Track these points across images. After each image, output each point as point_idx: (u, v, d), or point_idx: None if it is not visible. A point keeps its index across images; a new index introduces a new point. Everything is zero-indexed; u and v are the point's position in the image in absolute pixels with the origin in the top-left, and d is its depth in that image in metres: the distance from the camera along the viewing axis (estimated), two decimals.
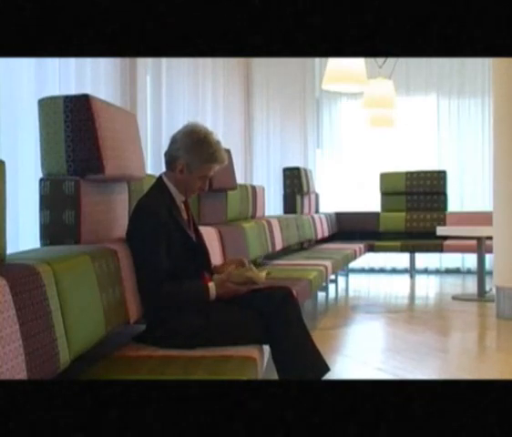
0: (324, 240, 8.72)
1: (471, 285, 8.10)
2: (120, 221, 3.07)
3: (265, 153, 8.20)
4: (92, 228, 2.80)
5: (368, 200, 9.68)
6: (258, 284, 3.03)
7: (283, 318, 2.87)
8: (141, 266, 2.82)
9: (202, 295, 2.90)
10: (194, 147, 2.94)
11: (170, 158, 2.99)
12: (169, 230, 2.86)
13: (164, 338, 2.78)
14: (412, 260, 9.16)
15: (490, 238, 6.46)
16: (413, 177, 9.33)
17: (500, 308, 6.01)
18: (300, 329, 2.91)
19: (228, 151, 4.89)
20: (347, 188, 10.06)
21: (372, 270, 9.92)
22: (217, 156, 2.98)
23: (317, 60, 9.65)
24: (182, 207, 3.03)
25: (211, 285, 2.93)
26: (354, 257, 7.94)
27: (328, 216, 9.11)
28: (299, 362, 2.85)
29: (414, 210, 9.27)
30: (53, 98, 2.74)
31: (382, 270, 9.92)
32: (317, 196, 9.27)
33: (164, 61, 5.18)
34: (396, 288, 8.54)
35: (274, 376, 2.93)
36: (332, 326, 5.86)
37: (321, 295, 6.92)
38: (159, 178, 3.02)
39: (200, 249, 3.09)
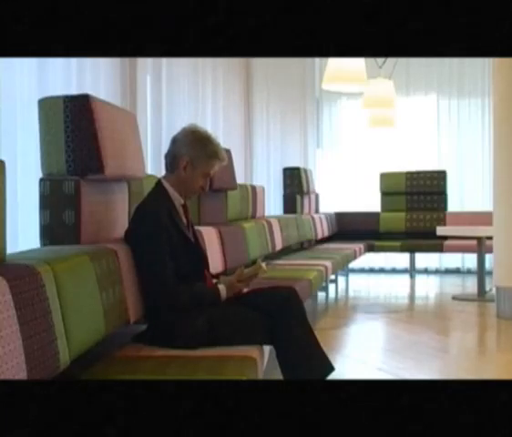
0: (324, 240, 8.72)
1: (471, 285, 8.10)
2: (120, 221, 3.07)
3: (265, 153, 8.20)
4: (92, 228, 2.80)
5: (368, 200, 9.68)
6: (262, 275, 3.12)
7: (287, 317, 2.87)
8: (149, 270, 2.81)
9: (214, 297, 2.92)
10: (198, 143, 2.96)
11: (173, 158, 2.99)
12: (170, 233, 2.86)
13: (164, 338, 2.78)
14: (412, 260, 9.17)
15: (490, 238, 6.46)
16: (413, 177, 9.34)
17: (500, 308, 6.01)
18: (304, 328, 2.91)
19: (228, 151, 4.89)
20: (347, 187, 10.06)
21: (372, 270, 9.92)
22: (219, 153, 3.01)
23: (317, 60, 9.64)
24: (181, 210, 3.03)
25: (222, 287, 2.95)
26: (354, 257, 7.94)
27: (328, 216, 9.10)
28: (303, 362, 2.85)
29: (414, 210, 9.27)
30: (53, 98, 2.74)
31: (382, 270, 9.92)
32: (317, 196, 9.27)
33: (164, 61, 5.18)
34: (396, 288, 8.54)
35: (274, 376, 2.93)
36: (333, 326, 5.86)
37: (321, 295, 6.92)
38: (158, 183, 3.02)
39: (199, 251, 3.10)
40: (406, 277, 9.20)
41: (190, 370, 2.44)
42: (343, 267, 7.54)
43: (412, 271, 9.17)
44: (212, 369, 2.46)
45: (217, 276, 3.27)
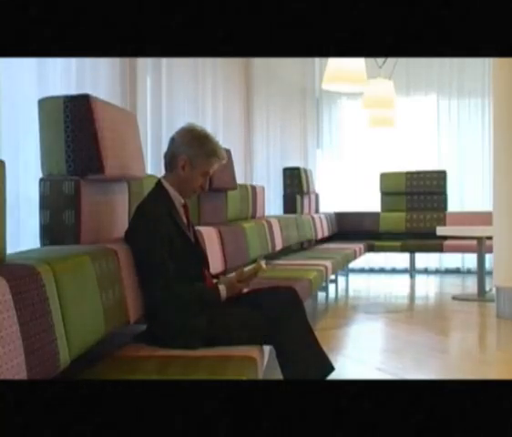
0: (324, 240, 8.72)
1: (471, 285, 8.10)
2: (120, 221, 3.07)
3: (265, 153, 8.19)
4: (92, 228, 2.80)
5: (368, 200, 9.69)
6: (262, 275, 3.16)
7: (287, 317, 2.87)
8: (149, 270, 2.81)
9: (215, 297, 2.92)
10: (196, 142, 2.95)
11: (171, 157, 2.99)
12: (171, 233, 2.86)
13: (165, 338, 2.78)
14: (412, 260, 9.17)
15: (490, 238, 6.46)
16: (413, 177, 9.34)
17: (500, 308, 6.01)
18: (304, 328, 2.91)
19: (228, 151, 4.89)
20: (347, 187, 10.06)
21: (372, 270, 9.92)
22: (218, 151, 3.00)
23: (317, 60, 9.65)
24: (181, 210, 3.03)
25: (222, 287, 2.95)
26: (354, 257, 7.94)
27: (328, 216, 9.11)
28: (303, 362, 2.85)
29: (415, 210, 9.27)
30: (53, 98, 2.74)
31: (382, 270, 9.93)
32: (317, 196, 9.27)
33: (164, 61, 5.17)
34: (396, 288, 8.54)
35: (274, 376, 2.93)
36: (333, 326, 5.86)
37: (321, 295, 6.92)
38: (158, 183, 3.01)
39: (199, 251, 3.10)
40: (406, 277, 9.20)
41: (190, 370, 2.44)
42: (343, 267, 7.55)
43: (412, 271, 9.18)
44: (212, 369, 2.46)
45: (217, 276, 3.27)
